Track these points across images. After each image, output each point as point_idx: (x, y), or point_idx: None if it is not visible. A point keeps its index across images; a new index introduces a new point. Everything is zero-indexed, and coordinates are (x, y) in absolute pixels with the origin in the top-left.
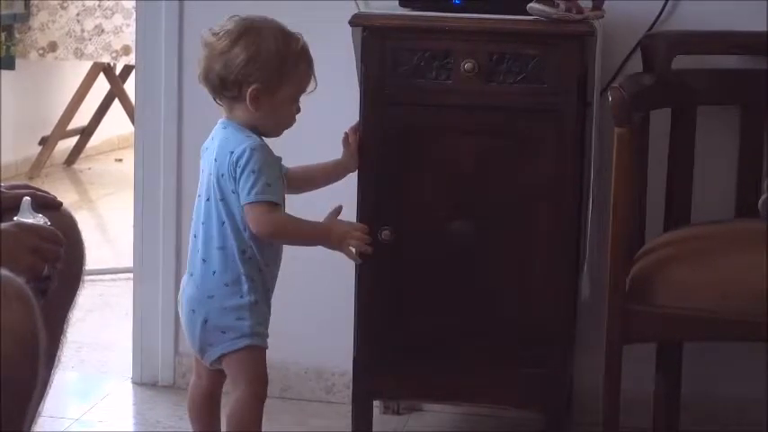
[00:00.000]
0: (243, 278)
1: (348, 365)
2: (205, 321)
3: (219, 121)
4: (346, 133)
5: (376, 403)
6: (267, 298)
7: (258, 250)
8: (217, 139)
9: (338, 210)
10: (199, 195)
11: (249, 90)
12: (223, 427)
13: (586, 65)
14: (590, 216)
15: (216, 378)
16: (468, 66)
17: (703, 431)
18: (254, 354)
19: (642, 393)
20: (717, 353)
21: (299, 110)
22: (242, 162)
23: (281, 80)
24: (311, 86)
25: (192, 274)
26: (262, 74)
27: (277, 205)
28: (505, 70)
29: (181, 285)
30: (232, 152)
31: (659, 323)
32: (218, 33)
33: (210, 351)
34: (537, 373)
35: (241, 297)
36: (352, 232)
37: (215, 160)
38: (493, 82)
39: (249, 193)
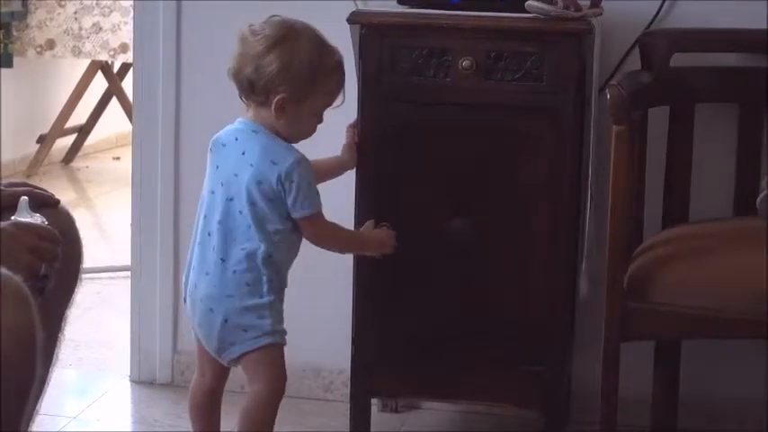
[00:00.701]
0: (264, 278)
1: (346, 364)
2: (225, 320)
3: (241, 120)
4: (350, 128)
5: (374, 401)
6: (282, 297)
7: (284, 254)
8: (247, 142)
9: (372, 222)
10: (212, 192)
11: (276, 99)
12: (229, 425)
13: (584, 63)
14: (588, 214)
15: (219, 377)
16: (465, 63)
17: (702, 429)
18: (274, 351)
19: (640, 391)
20: (715, 351)
21: (321, 120)
22: (294, 177)
23: (309, 92)
24: (339, 101)
25: (207, 273)
26: (291, 85)
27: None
28: (503, 68)
29: (189, 282)
30: (275, 163)
31: (657, 321)
32: (258, 34)
33: (231, 350)
34: (535, 371)
35: (261, 297)
36: (389, 242)
37: (251, 165)
38: (491, 80)
39: (304, 206)
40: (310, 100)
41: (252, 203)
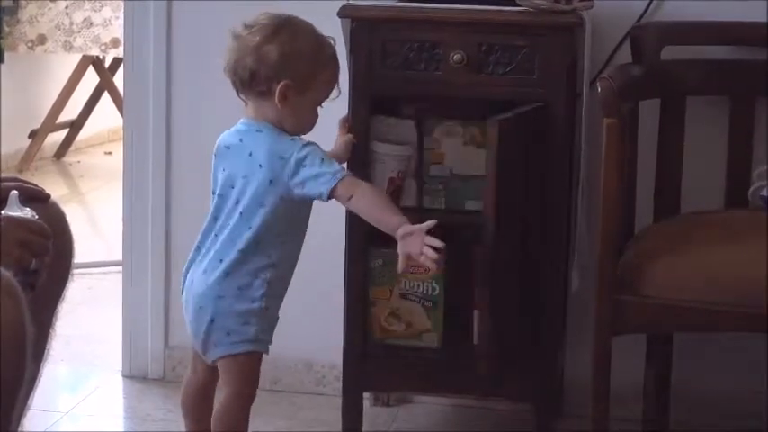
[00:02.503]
0: (259, 283)
1: (338, 358)
2: (212, 321)
3: (243, 121)
4: (342, 121)
5: (366, 395)
6: (279, 303)
7: (287, 257)
8: (252, 142)
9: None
10: (221, 195)
11: (279, 86)
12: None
13: (575, 56)
14: (579, 207)
15: (211, 374)
16: (456, 57)
17: (693, 422)
18: (251, 359)
19: (632, 384)
20: (707, 343)
21: (318, 115)
22: (306, 161)
23: (310, 82)
24: (335, 93)
25: (205, 272)
26: (294, 71)
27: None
28: (494, 61)
29: (187, 278)
30: (283, 158)
31: (649, 314)
32: (252, 27)
33: (213, 350)
34: (527, 364)
35: (252, 302)
36: (427, 249)
37: (260, 166)
38: (482, 73)
39: (326, 178)
40: (311, 90)
41: (261, 206)
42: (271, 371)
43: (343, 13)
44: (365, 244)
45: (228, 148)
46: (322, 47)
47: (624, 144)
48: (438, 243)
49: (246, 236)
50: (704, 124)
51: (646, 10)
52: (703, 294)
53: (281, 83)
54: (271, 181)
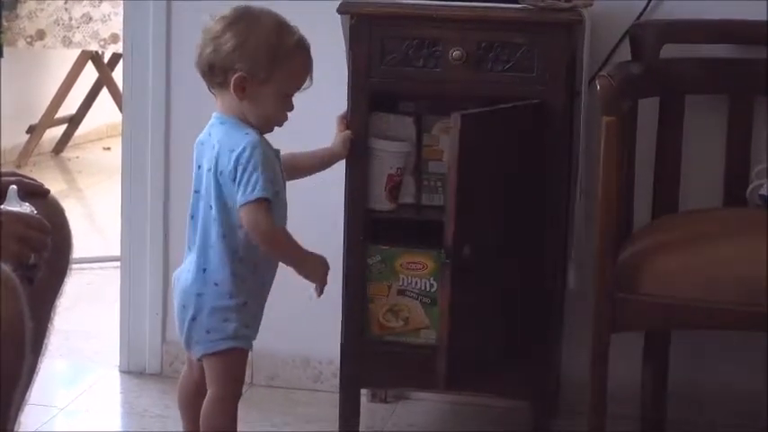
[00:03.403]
0: (232, 278)
1: (335, 354)
2: (193, 318)
3: (214, 114)
4: (340, 118)
5: (363, 391)
6: (260, 297)
7: (253, 250)
8: (215, 135)
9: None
10: (196, 191)
11: (234, 77)
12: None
13: (575, 53)
14: (577, 204)
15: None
16: (456, 54)
17: (691, 420)
18: (235, 356)
19: (629, 381)
20: (704, 341)
21: (291, 107)
22: (242, 160)
23: (270, 72)
24: (306, 84)
25: (188, 270)
26: (248, 62)
27: (269, 202)
28: (494, 58)
29: (176, 274)
30: (232, 150)
31: (646, 312)
32: (214, 19)
33: (195, 348)
34: (524, 361)
35: (230, 298)
36: (322, 272)
37: (215, 157)
38: (481, 70)
39: (246, 190)
40: (273, 82)
41: (218, 197)
42: (268, 367)
43: (343, 9)
44: (363, 240)
45: (202, 143)
46: (282, 36)
47: (623, 142)
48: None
49: (215, 230)
50: (703, 122)
51: (645, 8)
52: (702, 292)
53: (236, 74)
54: (221, 172)
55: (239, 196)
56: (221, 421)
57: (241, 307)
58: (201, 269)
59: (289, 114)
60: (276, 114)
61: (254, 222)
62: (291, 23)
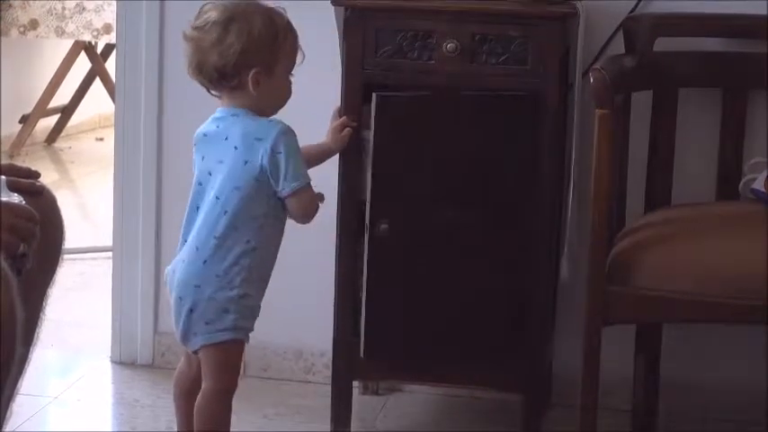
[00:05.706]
0: (237, 269)
1: (328, 346)
2: (191, 311)
3: (220, 109)
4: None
5: (355, 384)
6: (261, 288)
7: (267, 241)
8: (229, 127)
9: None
10: (200, 183)
11: (251, 74)
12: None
13: (568, 46)
14: (570, 197)
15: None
16: (450, 46)
17: (683, 412)
18: (232, 348)
19: (622, 374)
20: (697, 334)
21: (291, 83)
22: (281, 147)
23: (275, 58)
24: (299, 58)
25: (184, 261)
26: (259, 57)
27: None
28: (488, 51)
29: (170, 267)
30: (260, 139)
31: (639, 305)
32: (203, 27)
33: (193, 340)
34: (516, 354)
35: (231, 290)
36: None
37: (235, 148)
38: (475, 62)
39: (297, 177)
40: (279, 65)
41: (236, 188)
42: (260, 358)
43: (337, 1)
44: (356, 231)
45: (206, 135)
46: (275, 21)
47: (616, 135)
48: None
49: (223, 221)
50: (696, 116)
51: (639, 1)
52: (694, 285)
53: (251, 72)
54: (246, 162)
55: (287, 184)
56: (217, 414)
57: (242, 299)
58: (202, 260)
59: (284, 107)
60: (285, 93)
61: (307, 208)
62: (268, 3)
